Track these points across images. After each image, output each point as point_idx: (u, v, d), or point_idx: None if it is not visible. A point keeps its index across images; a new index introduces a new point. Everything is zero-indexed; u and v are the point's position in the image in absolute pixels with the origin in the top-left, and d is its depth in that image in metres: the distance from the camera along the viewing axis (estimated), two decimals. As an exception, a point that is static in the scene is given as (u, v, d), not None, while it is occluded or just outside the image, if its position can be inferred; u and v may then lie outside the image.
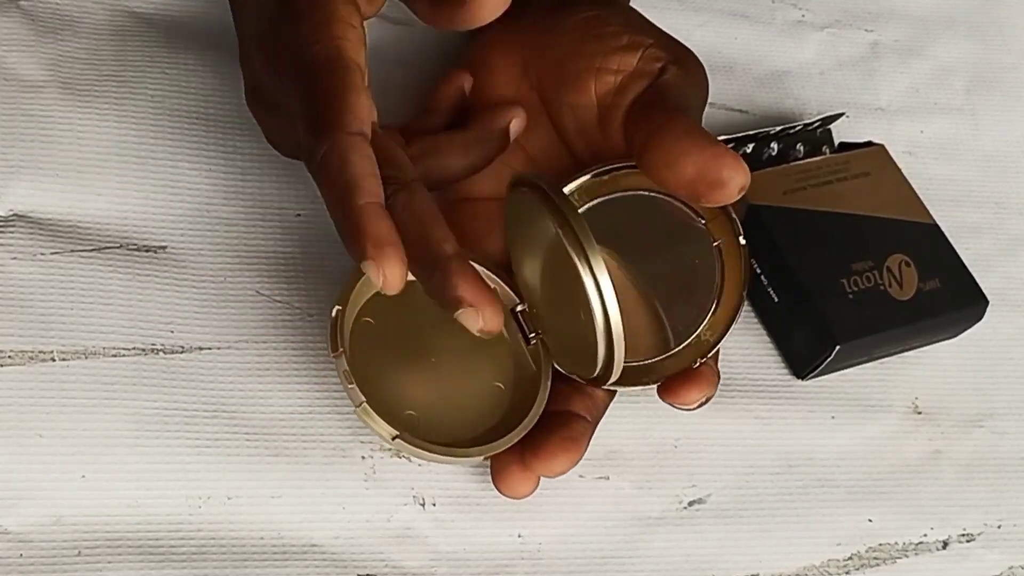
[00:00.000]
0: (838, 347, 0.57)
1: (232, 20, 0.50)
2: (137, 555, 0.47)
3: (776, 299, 0.58)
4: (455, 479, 0.51)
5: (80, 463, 0.47)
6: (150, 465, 0.48)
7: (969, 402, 0.61)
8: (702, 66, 0.53)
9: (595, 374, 0.48)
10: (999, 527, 0.58)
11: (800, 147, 0.63)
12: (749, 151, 0.61)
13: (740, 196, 0.47)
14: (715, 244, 0.51)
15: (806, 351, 0.58)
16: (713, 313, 0.51)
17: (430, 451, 0.47)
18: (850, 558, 0.55)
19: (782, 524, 0.55)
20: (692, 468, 0.54)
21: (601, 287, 0.45)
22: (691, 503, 0.54)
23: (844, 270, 0.58)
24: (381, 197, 0.43)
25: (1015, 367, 0.62)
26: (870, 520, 0.56)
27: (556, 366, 0.51)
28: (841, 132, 0.65)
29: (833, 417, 0.58)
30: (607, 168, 0.51)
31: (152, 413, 0.49)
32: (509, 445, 0.48)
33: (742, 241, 0.50)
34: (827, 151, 0.63)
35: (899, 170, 0.62)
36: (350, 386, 0.46)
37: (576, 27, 0.53)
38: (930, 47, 0.71)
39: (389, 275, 0.42)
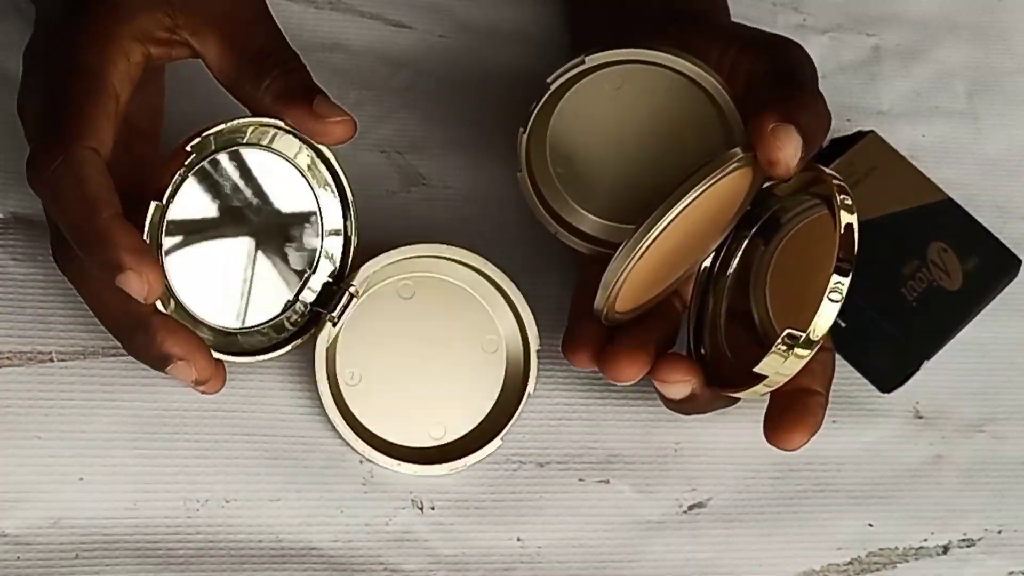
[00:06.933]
0: (926, 361, 0.58)
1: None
2: (135, 558, 0.47)
3: (843, 324, 0.56)
4: (454, 483, 0.51)
5: (78, 465, 0.47)
6: (148, 467, 0.48)
7: (970, 407, 0.60)
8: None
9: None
10: (1000, 532, 0.57)
11: None
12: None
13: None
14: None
15: (889, 369, 0.59)
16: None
17: None
18: (850, 563, 0.55)
19: (782, 528, 0.55)
20: (692, 472, 0.54)
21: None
22: (691, 507, 0.54)
23: (897, 278, 0.58)
24: (120, 208, 0.42)
25: (1017, 372, 0.62)
26: (870, 525, 0.56)
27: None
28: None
29: (834, 421, 0.57)
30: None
31: (151, 414, 0.49)
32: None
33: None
34: None
35: (898, 153, 0.62)
36: None
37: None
38: (932, 51, 0.71)
39: (152, 281, 0.42)
